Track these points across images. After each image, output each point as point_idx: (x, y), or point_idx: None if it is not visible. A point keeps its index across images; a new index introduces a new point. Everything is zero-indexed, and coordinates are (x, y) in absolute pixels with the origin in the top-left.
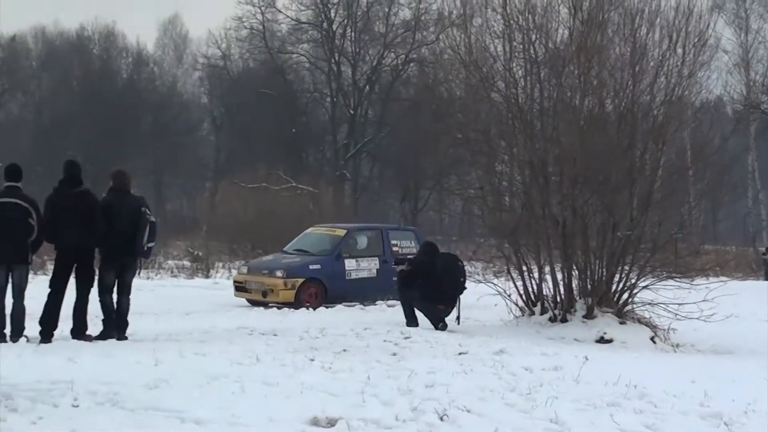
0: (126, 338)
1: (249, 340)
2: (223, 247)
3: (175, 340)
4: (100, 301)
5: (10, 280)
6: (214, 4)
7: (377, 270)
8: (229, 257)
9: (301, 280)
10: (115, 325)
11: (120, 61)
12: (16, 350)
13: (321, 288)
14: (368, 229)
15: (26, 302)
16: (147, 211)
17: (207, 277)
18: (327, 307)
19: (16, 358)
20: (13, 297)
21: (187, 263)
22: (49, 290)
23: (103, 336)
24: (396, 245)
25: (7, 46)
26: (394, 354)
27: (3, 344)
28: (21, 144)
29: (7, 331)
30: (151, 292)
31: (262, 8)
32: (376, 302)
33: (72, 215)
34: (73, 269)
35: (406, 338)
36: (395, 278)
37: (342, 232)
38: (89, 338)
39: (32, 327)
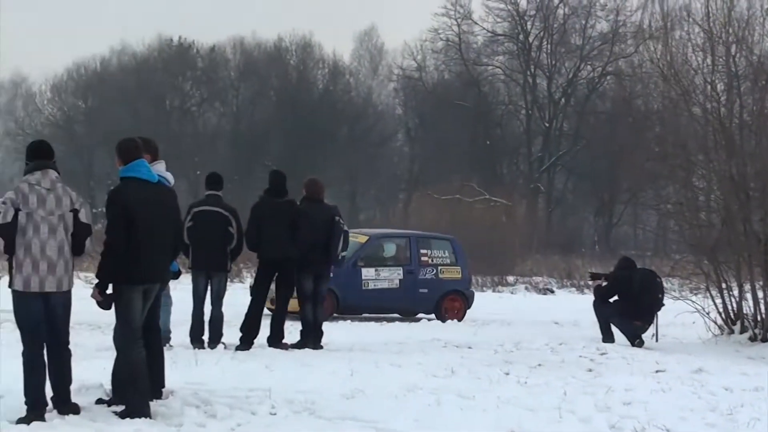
0: (321, 347)
1: (443, 352)
2: None
3: (369, 350)
4: (300, 310)
5: (209, 287)
6: (410, 16)
7: (400, 281)
8: None
9: None
10: (311, 334)
11: (316, 72)
12: (215, 357)
13: (332, 298)
14: (394, 236)
15: (224, 309)
16: (340, 220)
17: None
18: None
19: (214, 364)
20: (212, 304)
21: None
22: (250, 298)
23: (299, 345)
24: (426, 255)
25: (206, 57)
26: (590, 370)
27: (201, 351)
28: (218, 153)
29: (205, 337)
30: None
31: (458, 20)
32: (416, 315)
33: (276, 225)
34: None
35: (602, 354)
36: (423, 290)
37: (363, 239)
38: (285, 346)
39: (229, 334)
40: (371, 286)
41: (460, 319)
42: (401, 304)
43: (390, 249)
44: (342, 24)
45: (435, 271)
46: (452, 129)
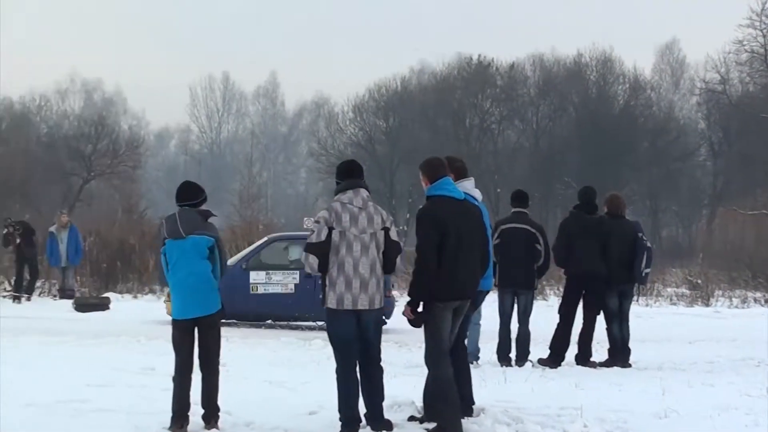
0: (630, 366)
1: (756, 371)
2: (722, 275)
3: (679, 369)
4: (607, 328)
5: (516, 305)
6: (712, 28)
7: (296, 285)
8: (729, 286)
9: None
10: (619, 353)
11: (616, 87)
12: (523, 375)
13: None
14: (294, 238)
15: (530, 327)
16: (643, 236)
17: (707, 305)
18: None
19: (523, 382)
20: (519, 322)
21: (685, 291)
22: (558, 316)
23: (607, 363)
24: None
25: (505, 75)
26: None
27: (509, 368)
28: (517, 171)
29: (513, 355)
30: (651, 320)
31: (764, 31)
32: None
33: (587, 241)
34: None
35: None
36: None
37: (261, 241)
38: (593, 365)
39: (536, 352)
40: (260, 290)
41: None
42: (296, 311)
43: (288, 252)
44: (642, 38)
45: None
46: (758, 142)
